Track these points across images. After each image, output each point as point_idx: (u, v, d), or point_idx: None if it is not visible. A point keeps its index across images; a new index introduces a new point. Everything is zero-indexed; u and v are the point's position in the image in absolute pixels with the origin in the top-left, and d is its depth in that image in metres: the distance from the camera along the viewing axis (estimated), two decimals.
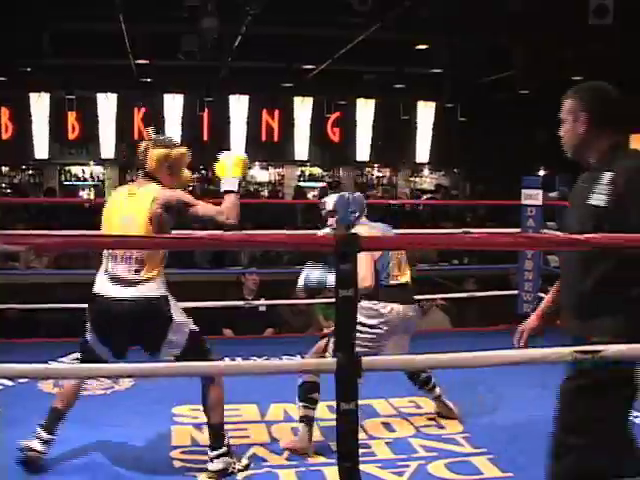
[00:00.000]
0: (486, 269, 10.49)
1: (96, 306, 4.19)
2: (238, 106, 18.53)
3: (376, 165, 20.78)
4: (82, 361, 4.25)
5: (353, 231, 4.68)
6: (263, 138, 19.11)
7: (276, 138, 19.26)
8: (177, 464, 4.39)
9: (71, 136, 18.39)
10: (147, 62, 15.24)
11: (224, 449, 4.28)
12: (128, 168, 19.41)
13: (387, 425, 5.01)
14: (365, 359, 2.64)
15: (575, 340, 2.94)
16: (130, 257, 4.10)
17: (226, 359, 6.17)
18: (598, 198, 2.93)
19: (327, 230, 5.02)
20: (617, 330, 2.87)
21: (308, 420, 4.67)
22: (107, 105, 18.07)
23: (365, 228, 4.83)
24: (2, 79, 16.27)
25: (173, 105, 18.20)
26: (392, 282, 4.79)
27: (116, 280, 4.10)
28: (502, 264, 9.53)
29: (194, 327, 4.25)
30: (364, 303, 4.63)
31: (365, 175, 20.87)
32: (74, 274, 9.61)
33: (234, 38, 12.94)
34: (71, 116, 17.97)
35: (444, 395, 5.16)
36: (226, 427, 4.69)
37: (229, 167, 4.31)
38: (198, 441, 4.72)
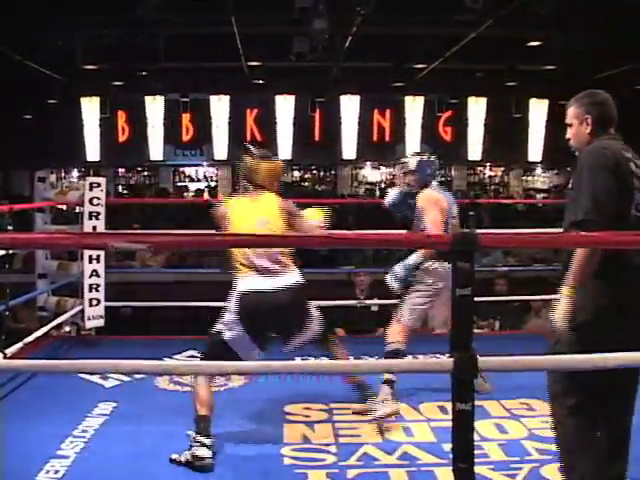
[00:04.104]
0: None
1: (248, 302, 4.57)
2: (349, 106, 18.54)
3: (488, 164, 20.53)
4: (212, 358, 4.46)
5: (425, 191, 5.42)
6: (375, 138, 19.08)
7: (387, 138, 19.19)
8: (287, 461, 4.41)
9: (185, 138, 18.73)
10: (259, 64, 15.41)
11: None
12: None
13: (499, 427, 4.93)
14: (481, 359, 2.60)
15: None
16: (272, 252, 4.59)
17: None
18: None
19: (396, 190, 5.64)
20: None
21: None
22: (220, 107, 18.33)
23: (436, 191, 5.47)
24: (119, 83, 16.69)
25: (285, 106, 18.33)
26: None
27: (266, 274, 4.60)
28: None
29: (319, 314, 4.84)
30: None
31: (477, 174, 20.65)
32: (188, 272, 9.81)
33: (345, 39, 12.97)
34: (185, 118, 18.31)
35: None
36: (337, 426, 4.76)
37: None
38: (310, 439, 4.74)
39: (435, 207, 5.33)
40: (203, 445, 4.32)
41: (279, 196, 4.82)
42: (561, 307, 3.33)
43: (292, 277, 4.66)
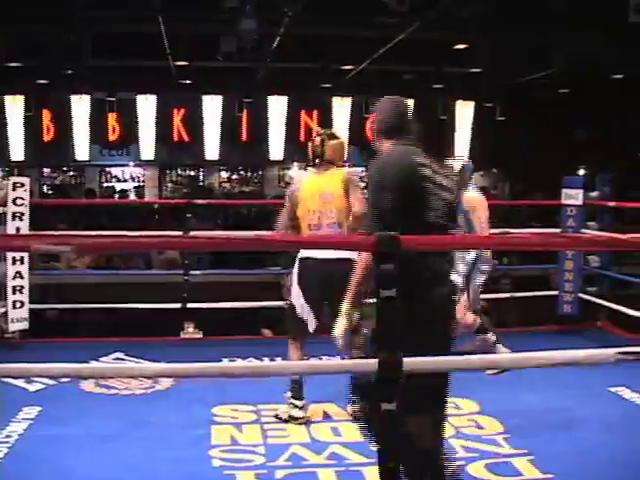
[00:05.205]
0: (526, 269, 10.39)
1: (304, 267, 5.09)
2: (277, 107, 18.52)
3: None
4: (290, 327, 5.30)
5: (471, 193, 6.01)
6: (302, 138, 19.08)
7: None
8: (216, 463, 4.41)
9: (111, 138, 18.49)
10: (186, 64, 15.30)
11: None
12: (167, 169, 19.52)
13: None
14: (406, 360, 2.63)
15: None
16: (333, 224, 5.08)
17: (265, 359, 6.22)
18: None
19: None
20: None
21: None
22: (147, 106, 18.16)
23: (476, 192, 6.11)
24: (44, 82, 16.43)
25: (212, 106, 18.24)
26: None
27: None
28: (543, 264, 9.47)
29: None
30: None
31: None
32: (114, 274, 9.71)
33: (273, 39, 12.96)
34: (111, 118, 18.08)
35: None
36: (265, 427, 4.77)
37: None
38: (238, 440, 4.74)
39: (483, 208, 6.01)
40: (295, 407, 5.05)
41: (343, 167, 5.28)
42: (342, 324, 3.43)
43: (347, 252, 4.87)
